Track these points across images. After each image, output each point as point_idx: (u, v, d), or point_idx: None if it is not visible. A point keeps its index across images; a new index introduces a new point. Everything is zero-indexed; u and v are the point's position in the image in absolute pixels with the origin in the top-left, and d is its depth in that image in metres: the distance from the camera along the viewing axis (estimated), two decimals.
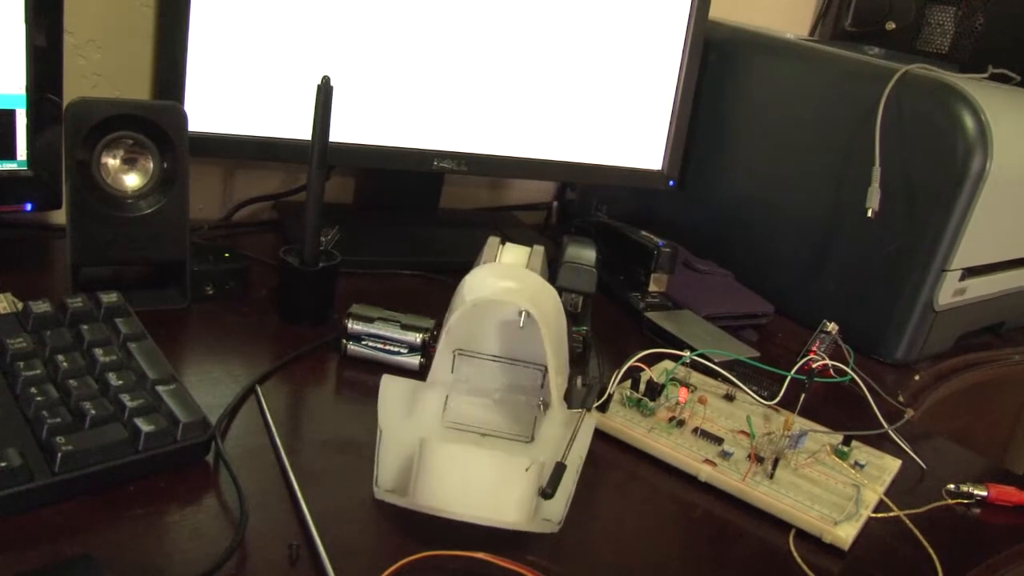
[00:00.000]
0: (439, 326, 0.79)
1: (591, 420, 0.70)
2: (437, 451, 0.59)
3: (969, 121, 0.93)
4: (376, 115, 0.99)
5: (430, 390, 0.70)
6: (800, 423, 0.77)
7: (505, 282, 0.71)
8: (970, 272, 1.03)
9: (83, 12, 0.92)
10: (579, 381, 0.74)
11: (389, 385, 0.71)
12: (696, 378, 0.83)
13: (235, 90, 0.91)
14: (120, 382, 0.60)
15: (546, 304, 0.70)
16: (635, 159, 1.17)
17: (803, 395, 0.80)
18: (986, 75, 1.14)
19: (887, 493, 0.71)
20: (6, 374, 0.60)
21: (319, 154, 0.78)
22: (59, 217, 0.83)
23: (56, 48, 0.78)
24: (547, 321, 0.67)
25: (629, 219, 1.12)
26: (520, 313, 0.68)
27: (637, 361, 0.78)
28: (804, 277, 1.09)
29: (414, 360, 0.77)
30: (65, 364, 0.60)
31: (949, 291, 1.01)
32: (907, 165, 0.97)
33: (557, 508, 0.60)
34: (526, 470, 0.58)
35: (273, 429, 0.65)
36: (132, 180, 0.77)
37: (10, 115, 0.78)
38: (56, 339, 0.62)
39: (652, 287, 1.01)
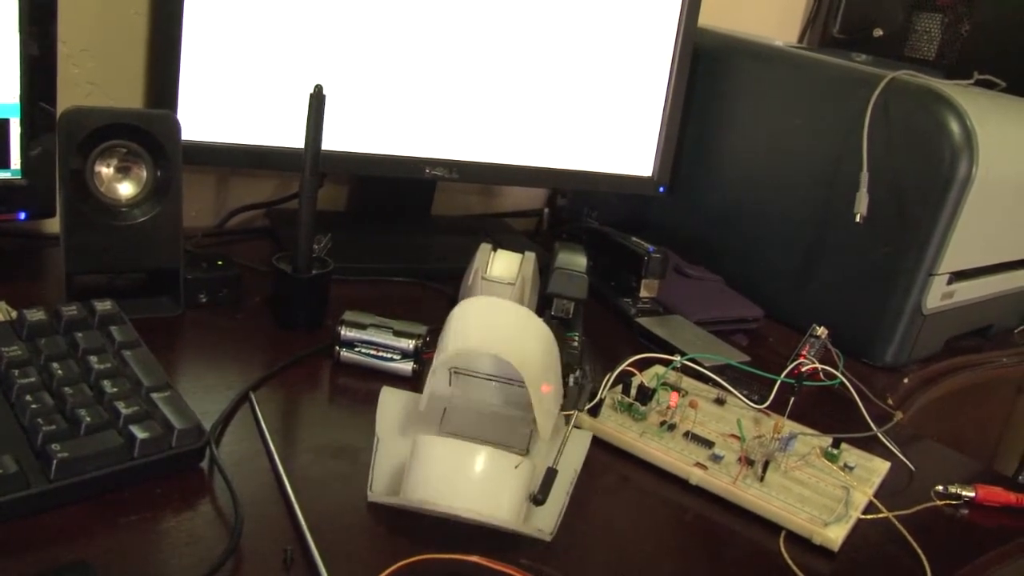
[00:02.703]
0: (432, 332, 0.79)
1: (585, 437, 0.71)
2: (430, 445, 0.60)
3: (955, 126, 0.94)
4: (368, 123, 0.99)
5: (428, 403, 0.70)
6: (790, 426, 0.78)
7: (487, 331, 0.68)
8: (958, 276, 1.04)
9: (77, 21, 0.93)
10: (571, 380, 0.74)
11: (388, 397, 0.71)
12: (687, 382, 0.84)
13: (228, 99, 0.91)
14: (115, 389, 0.60)
15: (531, 349, 0.68)
16: (625, 166, 1.18)
17: (793, 399, 0.81)
18: (971, 81, 1.15)
19: (876, 495, 0.71)
20: (1, 382, 0.60)
21: (312, 162, 0.78)
22: (53, 226, 0.83)
23: (50, 57, 0.79)
24: (531, 366, 0.65)
25: (620, 225, 1.12)
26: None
27: (628, 366, 0.79)
28: (794, 282, 1.09)
29: (407, 366, 0.77)
30: (60, 372, 0.61)
31: (937, 295, 1.02)
32: (895, 170, 0.98)
33: (549, 518, 0.60)
34: (516, 467, 0.58)
35: (267, 435, 0.65)
36: (126, 189, 0.78)
37: (4, 124, 0.78)
38: (51, 347, 0.63)
39: (643, 292, 1.02)
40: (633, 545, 0.62)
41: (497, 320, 0.69)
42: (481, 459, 0.59)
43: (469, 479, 0.58)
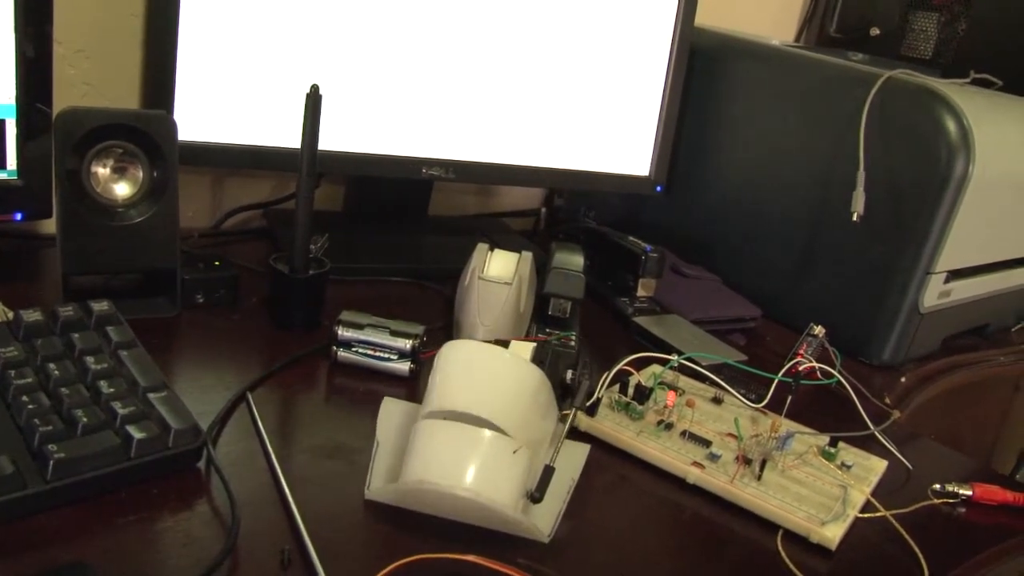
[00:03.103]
0: (429, 332, 0.79)
1: (583, 448, 0.71)
2: (430, 428, 0.60)
3: (951, 125, 0.94)
4: (365, 123, 0.99)
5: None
6: (787, 425, 0.78)
7: (470, 389, 0.65)
8: (955, 274, 1.04)
9: (72, 22, 0.93)
10: (568, 375, 0.74)
11: (389, 406, 0.72)
12: (684, 382, 0.84)
13: (225, 99, 0.91)
14: (111, 390, 0.60)
15: (514, 403, 0.65)
16: (622, 165, 1.18)
17: (790, 397, 0.81)
18: (968, 80, 1.15)
19: (873, 493, 0.71)
20: None
21: (308, 162, 0.78)
22: (49, 226, 0.83)
23: (45, 58, 0.78)
24: (515, 426, 0.62)
25: (617, 225, 1.12)
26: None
27: (625, 365, 0.79)
28: (791, 281, 1.09)
29: (404, 366, 0.77)
30: (56, 372, 0.60)
31: (934, 293, 1.02)
32: (891, 169, 0.98)
33: (547, 519, 0.60)
34: (514, 452, 0.58)
35: (264, 435, 0.65)
36: (122, 189, 0.78)
37: (0, 125, 0.78)
38: (47, 347, 0.63)
39: (640, 292, 1.02)
40: (630, 544, 0.62)
41: (480, 372, 0.66)
42: (481, 441, 0.59)
43: (469, 460, 0.58)
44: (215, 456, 0.61)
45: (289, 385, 0.74)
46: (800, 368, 0.85)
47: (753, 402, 0.82)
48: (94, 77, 0.97)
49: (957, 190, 0.94)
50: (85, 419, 0.57)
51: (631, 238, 1.05)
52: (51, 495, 0.53)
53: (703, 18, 1.18)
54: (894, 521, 0.68)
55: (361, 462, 0.64)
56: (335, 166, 1.02)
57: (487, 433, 0.59)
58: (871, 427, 0.82)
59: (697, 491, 0.69)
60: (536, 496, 0.59)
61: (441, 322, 0.89)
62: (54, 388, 0.59)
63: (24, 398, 0.58)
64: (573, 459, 0.69)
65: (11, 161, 0.79)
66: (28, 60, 0.77)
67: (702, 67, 1.19)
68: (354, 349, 0.77)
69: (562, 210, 1.38)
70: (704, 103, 1.20)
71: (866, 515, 0.69)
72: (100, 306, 0.68)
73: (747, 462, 0.71)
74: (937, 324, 1.07)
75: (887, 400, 0.94)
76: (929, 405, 1.03)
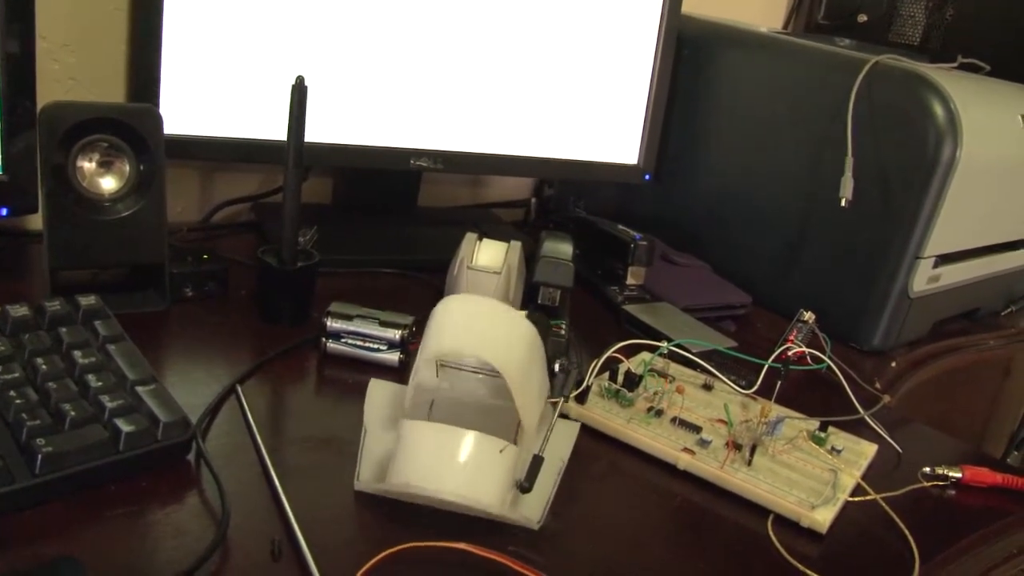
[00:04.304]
0: (418, 323, 0.79)
1: (573, 428, 0.71)
2: (416, 430, 0.60)
3: (939, 110, 0.94)
4: (352, 114, 0.99)
5: (415, 395, 0.70)
6: (777, 410, 0.78)
7: (467, 331, 0.67)
8: (944, 259, 1.04)
9: (55, 16, 0.92)
10: (556, 366, 0.74)
11: (375, 389, 0.71)
12: (674, 368, 0.84)
13: (211, 92, 0.91)
14: (100, 383, 0.60)
15: (512, 347, 0.66)
16: (611, 154, 1.18)
17: (780, 383, 0.81)
18: (955, 65, 1.15)
19: (864, 477, 0.71)
20: None
21: (295, 154, 0.78)
22: (36, 222, 0.83)
23: (29, 53, 0.78)
24: (511, 365, 0.64)
25: (607, 214, 1.12)
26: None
27: (615, 352, 0.79)
28: (781, 267, 1.10)
29: (393, 356, 0.77)
30: (44, 367, 0.60)
31: (923, 278, 1.02)
32: (879, 154, 0.98)
33: (537, 506, 0.60)
34: (501, 451, 0.58)
35: (254, 427, 0.65)
36: (108, 183, 0.77)
37: None
38: (35, 342, 0.62)
39: (630, 280, 1.02)
40: (621, 531, 0.62)
41: (478, 319, 0.68)
42: (467, 443, 0.59)
43: (454, 464, 0.58)
44: (204, 449, 0.61)
45: (279, 377, 0.74)
46: (790, 354, 0.85)
47: (743, 388, 0.82)
48: (78, 71, 0.97)
49: (945, 174, 0.95)
50: (73, 413, 0.57)
51: (620, 227, 1.05)
52: (39, 489, 0.53)
53: (690, 6, 1.17)
54: (884, 504, 0.69)
55: (351, 452, 0.64)
56: (323, 158, 1.02)
57: (472, 434, 0.59)
58: (861, 411, 0.82)
59: (687, 477, 0.69)
60: (525, 486, 0.59)
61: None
62: (42, 383, 0.59)
63: (12, 393, 0.57)
64: (563, 440, 0.69)
65: None
66: (11, 55, 0.77)
67: (690, 55, 1.19)
68: (343, 340, 0.77)
69: (552, 200, 1.38)
70: (692, 91, 1.20)
71: (856, 499, 0.69)
72: (87, 301, 0.68)
73: (737, 447, 0.71)
74: (927, 309, 1.07)
75: (877, 385, 0.94)
76: (919, 389, 1.03)
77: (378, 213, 1.15)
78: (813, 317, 0.90)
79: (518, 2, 1.04)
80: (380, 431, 0.66)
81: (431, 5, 0.99)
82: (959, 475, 0.75)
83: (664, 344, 0.82)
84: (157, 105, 0.88)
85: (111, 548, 0.51)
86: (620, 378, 0.77)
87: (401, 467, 0.58)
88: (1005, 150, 1.05)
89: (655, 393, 0.76)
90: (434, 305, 0.90)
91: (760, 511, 0.66)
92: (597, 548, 0.60)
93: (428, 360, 0.65)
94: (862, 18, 1.48)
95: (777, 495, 0.66)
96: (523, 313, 0.72)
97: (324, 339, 0.78)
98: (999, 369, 1.32)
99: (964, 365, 1.15)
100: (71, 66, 0.96)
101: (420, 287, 0.98)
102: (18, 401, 0.57)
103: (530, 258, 0.93)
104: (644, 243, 1.01)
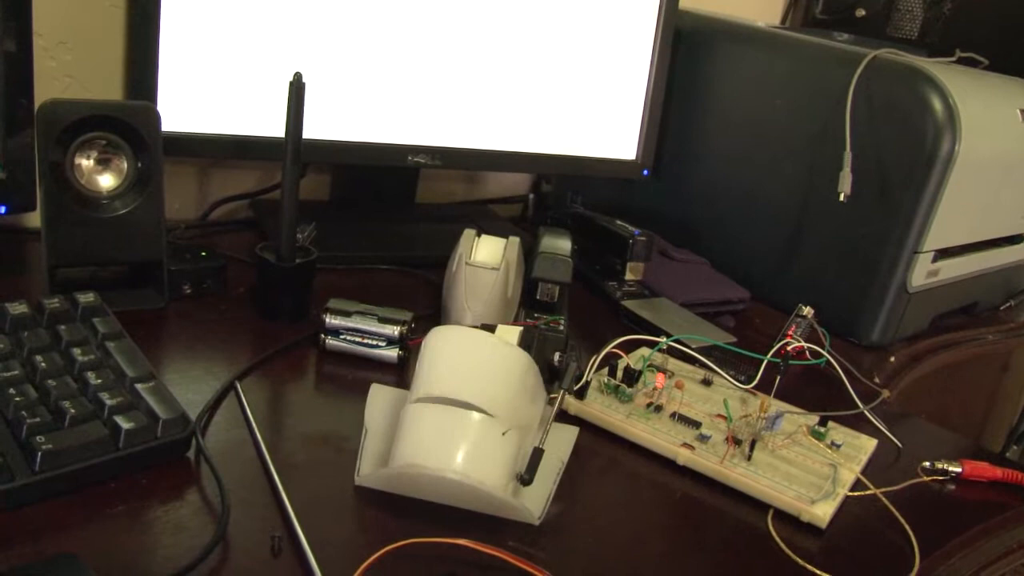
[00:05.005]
0: (417, 319, 0.79)
1: (572, 431, 0.71)
2: (419, 411, 0.60)
3: (937, 104, 0.94)
4: (350, 111, 0.99)
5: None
6: (777, 405, 0.78)
7: (455, 376, 0.64)
8: (942, 253, 1.04)
9: (52, 14, 0.92)
10: (556, 358, 0.74)
11: (377, 393, 0.72)
12: (673, 364, 0.84)
13: (208, 89, 0.91)
14: (99, 381, 0.60)
15: (506, 388, 0.64)
16: (609, 149, 1.17)
17: (779, 378, 0.81)
18: (954, 59, 1.15)
19: (864, 472, 0.72)
20: None
21: (293, 151, 0.78)
22: (34, 220, 0.83)
23: (26, 51, 0.78)
24: (503, 410, 0.62)
25: (605, 209, 1.12)
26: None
27: (614, 348, 0.79)
28: (779, 262, 1.10)
29: (392, 353, 0.77)
30: (43, 364, 0.60)
31: (922, 273, 1.02)
32: (878, 149, 0.98)
33: (537, 502, 0.60)
34: (503, 434, 0.58)
35: (253, 424, 0.65)
36: (106, 181, 0.77)
37: None
38: (34, 340, 0.62)
39: (628, 276, 1.02)
40: (621, 526, 0.62)
41: (468, 357, 0.66)
42: (470, 424, 0.59)
43: (458, 443, 0.58)
44: (204, 446, 0.61)
45: (278, 374, 0.74)
46: (789, 349, 0.86)
47: (742, 383, 0.82)
48: (76, 69, 0.96)
49: (944, 169, 0.95)
50: (73, 410, 0.57)
51: (619, 222, 1.05)
52: (39, 487, 0.53)
53: (688, 1, 1.17)
54: (884, 499, 0.69)
55: (350, 449, 0.64)
56: (320, 155, 1.02)
57: (475, 415, 0.59)
58: (860, 406, 0.82)
59: (687, 472, 0.69)
60: (526, 478, 0.59)
61: (429, 309, 0.89)
62: (41, 380, 0.59)
63: (11, 390, 0.57)
64: (562, 442, 0.69)
65: None
66: (8, 54, 0.77)
67: (688, 50, 1.19)
68: (342, 337, 0.77)
69: (550, 196, 1.38)
70: (690, 86, 1.20)
71: (856, 493, 0.69)
72: (86, 298, 0.68)
73: (737, 442, 0.71)
74: (926, 303, 1.07)
75: (876, 379, 0.94)
76: (918, 384, 1.03)
77: (376, 209, 1.15)
78: (812, 312, 0.90)
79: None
80: (381, 430, 0.66)
81: (429, 2, 0.99)
82: (959, 469, 0.75)
83: (663, 339, 0.82)
84: (155, 102, 0.88)
85: (111, 545, 0.51)
86: (619, 374, 0.77)
87: (404, 447, 0.59)
88: (1004, 144, 1.05)
89: (654, 388, 0.76)
90: (432, 301, 0.91)
91: (760, 506, 0.66)
92: (597, 543, 0.60)
93: (420, 400, 0.64)
94: (860, 12, 1.48)
95: (777, 490, 0.66)
96: (514, 342, 0.71)
97: (323, 336, 0.78)
98: (998, 363, 1.32)
99: (963, 360, 1.15)
100: (68, 64, 0.96)
101: (418, 283, 0.98)
102: (18, 398, 0.57)
103: (528, 254, 0.93)
104: (642, 239, 1.01)
